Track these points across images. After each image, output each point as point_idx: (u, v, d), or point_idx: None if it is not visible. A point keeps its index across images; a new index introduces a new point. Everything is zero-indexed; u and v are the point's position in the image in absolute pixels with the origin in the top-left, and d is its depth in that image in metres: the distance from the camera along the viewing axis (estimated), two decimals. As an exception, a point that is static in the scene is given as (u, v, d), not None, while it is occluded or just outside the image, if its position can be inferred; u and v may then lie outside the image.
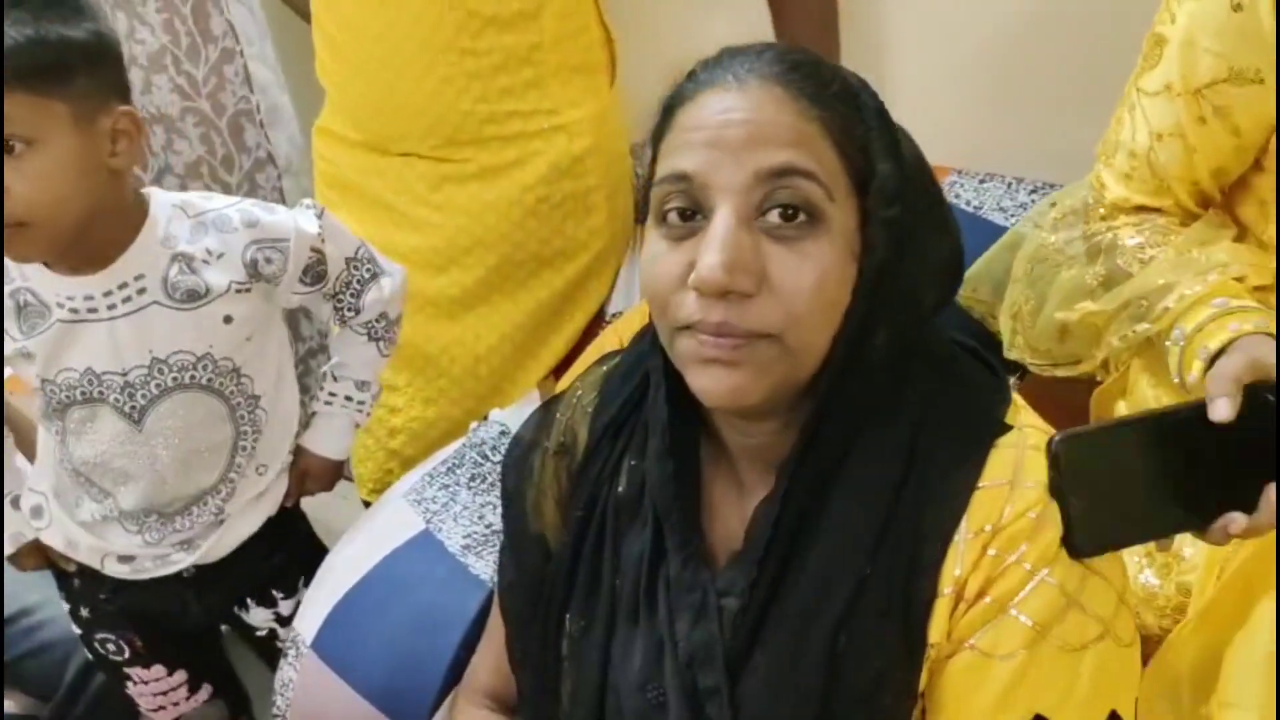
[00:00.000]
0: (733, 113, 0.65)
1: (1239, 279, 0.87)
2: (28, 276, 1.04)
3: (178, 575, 1.19)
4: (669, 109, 0.69)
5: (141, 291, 1.05)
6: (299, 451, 1.24)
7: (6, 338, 1.05)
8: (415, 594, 1.10)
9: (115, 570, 1.17)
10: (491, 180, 1.37)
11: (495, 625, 0.91)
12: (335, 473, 1.27)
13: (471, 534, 1.15)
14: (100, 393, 1.07)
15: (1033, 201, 1.25)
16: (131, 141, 1.01)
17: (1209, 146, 0.90)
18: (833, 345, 0.67)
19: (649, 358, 0.76)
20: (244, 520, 1.19)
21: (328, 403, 1.24)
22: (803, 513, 0.70)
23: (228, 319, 1.08)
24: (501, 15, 1.31)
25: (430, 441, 1.44)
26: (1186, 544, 0.90)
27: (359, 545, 1.17)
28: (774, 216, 0.64)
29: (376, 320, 1.20)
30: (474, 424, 1.35)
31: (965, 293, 1.18)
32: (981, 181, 1.30)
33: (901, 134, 0.71)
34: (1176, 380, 0.85)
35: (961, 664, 0.68)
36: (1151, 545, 0.81)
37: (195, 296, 1.06)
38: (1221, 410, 0.71)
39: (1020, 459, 0.68)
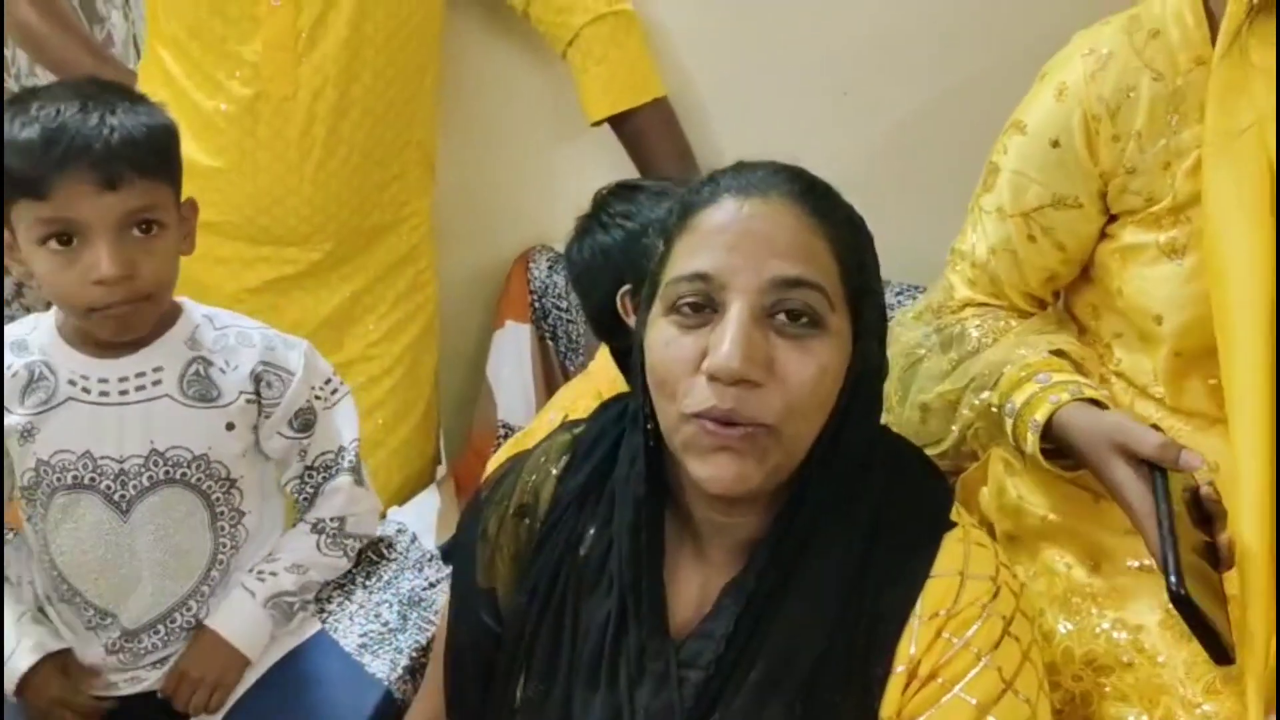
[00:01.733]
0: (754, 220, 0.72)
1: (1065, 354, 0.96)
2: (45, 351, 1.06)
3: (148, 696, 1.13)
4: (687, 209, 0.75)
5: (157, 383, 1.06)
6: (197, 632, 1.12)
7: (8, 413, 1.05)
8: (310, 695, 1.10)
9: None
10: (326, 276, 1.44)
11: (426, 693, 0.93)
12: (228, 665, 1.11)
13: (368, 633, 1.16)
14: (92, 478, 1.06)
15: (899, 302, 1.35)
16: (193, 228, 1.08)
17: (1038, 260, 1.02)
18: (817, 439, 0.74)
19: (628, 434, 0.81)
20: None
21: (244, 573, 1.13)
22: (770, 591, 0.75)
23: (230, 425, 1.09)
24: (389, 115, 1.39)
25: None
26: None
27: (254, 647, 1.17)
28: (783, 318, 0.71)
29: (330, 519, 1.16)
30: (383, 519, 1.36)
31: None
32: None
33: None
34: (1014, 448, 0.95)
35: None
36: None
37: (206, 398, 1.08)
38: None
39: (969, 552, 0.76)
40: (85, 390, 1.05)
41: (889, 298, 1.37)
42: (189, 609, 1.12)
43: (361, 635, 1.16)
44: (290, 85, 1.33)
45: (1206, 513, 0.83)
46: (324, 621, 1.17)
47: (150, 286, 1.01)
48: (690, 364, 0.71)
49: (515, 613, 0.84)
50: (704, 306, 0.72)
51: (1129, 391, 0.99)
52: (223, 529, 1.12)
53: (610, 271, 1.05)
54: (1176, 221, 0.93)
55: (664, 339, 0.73)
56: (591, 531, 0.82)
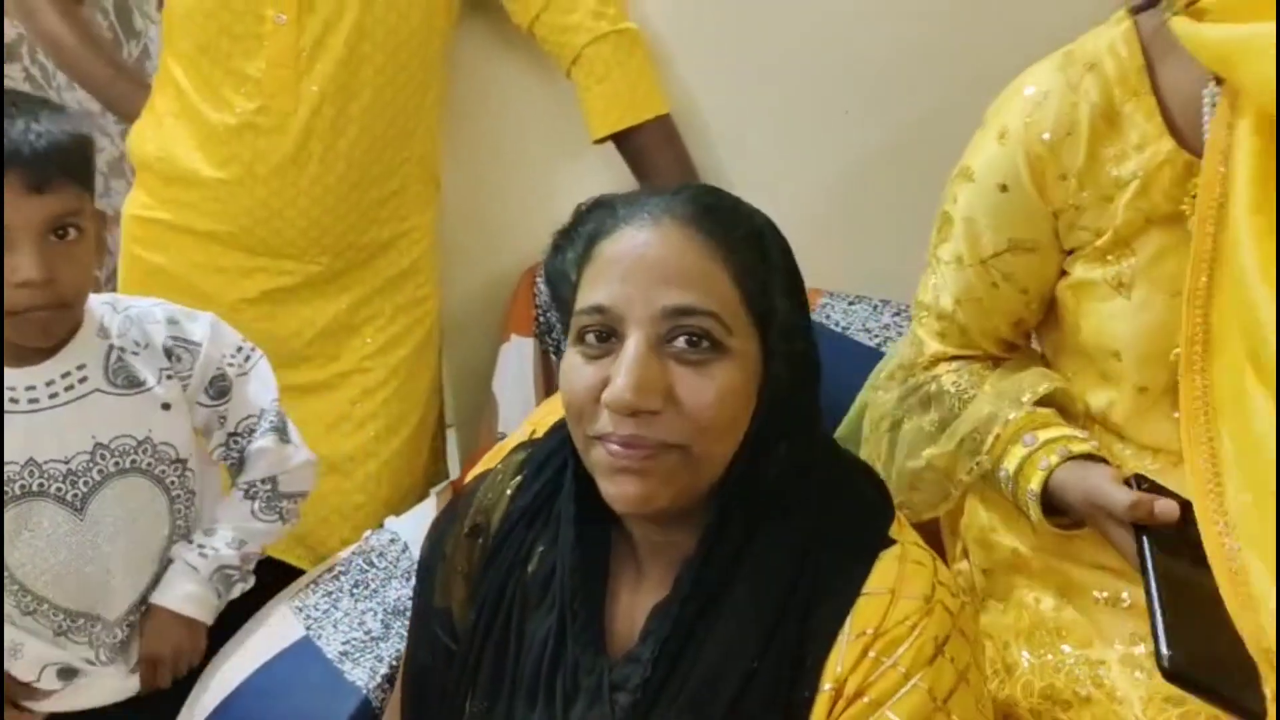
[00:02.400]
0: (647, 249, 0.73)
1: (1048, 399, 0.95)
2: None
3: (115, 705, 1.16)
4: (591, 240, 0.77)
5: (84, 380, 1.08)
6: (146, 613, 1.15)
7: None
8: (286, 702, 1.11)
9: (52, 684, 1.14)
10: (324, 287, 1.46)
11: (392, 707, 0.95)
12: (188, 635, 1.16)
13: (350, 640, 1.17)
14: (41, 484, 1.08)
15: (896, 323, 1.34)
16: (103, 238, 1.09)
17: (1003, 305, 1.00)
18: (735, 457, 0.74)
19: (565, 455, 0.82)
20: None
21: (184, 548, 1.16)
22: (699, 611, 0.75)
23: (166, 405, 1.12)
24: (388, 132, 1.41)
25: None
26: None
27: (240, 652, 1.18)
28: (681, 343, 0.72)
29: (261, 482, 1.18)
30: (368, 531, 1.37)
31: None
32: (850, 303, 1.38)
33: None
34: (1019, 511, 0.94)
35: None
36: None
37: (135, 383, 1.10)
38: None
39: (903, 570, 0.75)
40: (14, 400, 1.06)
41: (886, 318, 1.36)
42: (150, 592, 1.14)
43: (344, 643, 1.17)
44: (291, 101, 1.35)
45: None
46: (308, 629, 1.19)
47: (70, 293, 1.03)
48: (593, 392, 0.72)
49: (467, 631, 0.85)
50: (608, 336, 0.73)
51: (1099, 430, 0.97)
52: (179, 511, 1.15)
53: None
54: (1121, 255, 0.91)
55: (570, 367, 0.75)
56: (540, 549, 0.83)
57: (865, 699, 0.72)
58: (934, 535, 1.16)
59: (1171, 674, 0.74)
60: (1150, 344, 0.90)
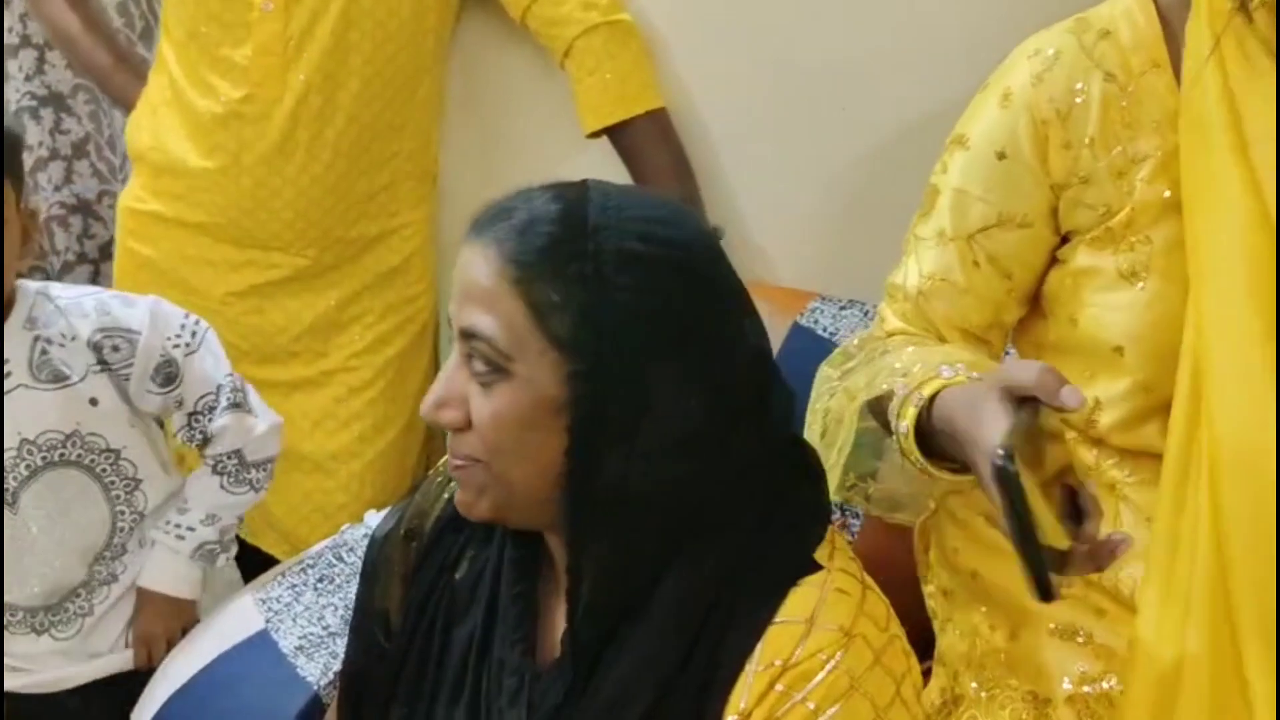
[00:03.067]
0: (465, 267, 0.73)
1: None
2: None
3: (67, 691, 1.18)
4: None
5: (8, 375, 1.08)
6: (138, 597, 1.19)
7: None
8: (236, 696, 1.10)
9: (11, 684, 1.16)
10: (312, 282, 1.45)
11: (334, 708, 0.93)
12: (178, 612, 1.20)
13: (307, 635, 1.16)
14: None
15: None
16: (32, 234, 1.08)
17: (982, 290, 0.92)
18: (562, 490, 0.71)
19: None
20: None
21: (163, 531, 1.19)
22: (605, 637, 0.73)
23: (94, 401, 1.11)
24: (376, 125, 1.40)
25: None
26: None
27: (198, 643, 1.19)
28: (477, 363, 0.72)
29: (227, 456, 1.18)
30: (346, 525, 1.37)
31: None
32: (841, 308, 1.34)
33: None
34: (891, 429, 0.82)
35: None
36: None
37: (59, 378, 1.09)
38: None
39: (823, 599, 0.71)
40: None
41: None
42: (99, 575, 1.16)
43: (301, 637, 1.16)
44: (278, 89, 1.35)
45: (1079, 507, 0.69)
46: (268, 622, 1.19)
47: None
48: None
49: (396, 635, 0.84)
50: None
51: (1068, 433, 0.90)
52: (118, 497, 1.15)
53: None
54: (1135, 241, 0.85)
55: None
56: (470, 554, 0.82)
57: None
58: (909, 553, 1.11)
59: (1001, 470, 0.63)
60: (1161, 339, 0.83)
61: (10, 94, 1.75)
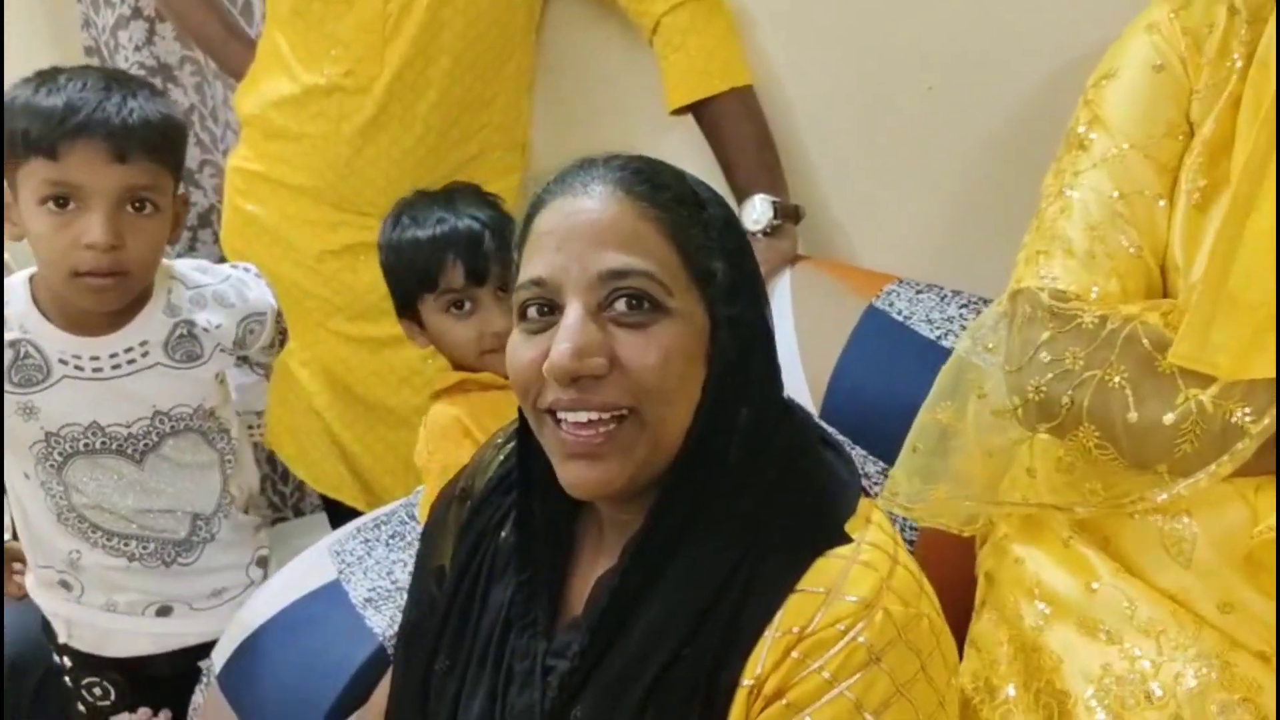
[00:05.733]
0: (578, 216, 0.72)
1: None
2: (28, 330, 1.13)
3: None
4: (529, 217, 0.76)
5: (145, 354, 1.16)
6: None
7: (8, 395, 1.14)
8: (309, 640, 1.16)
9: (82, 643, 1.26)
10: None
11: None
12: None
13: (376, 588, 1.20)
14: (103, 443, 1.17)
15: (961, 315, 1.25)
16: (183, 220, 1.16)
17: (1154, 214, 0.87)
18: (687, 434, 0.72)
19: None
20: (224, 573, 1.29)
21: None
22: (639, 588, 0.74)
23: (218, 376, 1.20)
24: (466, 98, 1.43)
25: None
26: (1153, 678, 0.82)
27: (276, 586, 1.24)
28: (620, 306, 0.71)
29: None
30: (421, 486, 1.41)
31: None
32: (919, 292, 1.31)
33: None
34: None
35: None
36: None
37: (193, 357, 1.18)
38: None
39: (847, 571, 0.70)
40: (78, 368, 1.13)
41: (952, 309, 1.26)
42: (201, 533, 1.24)
43: (370, 589, 1.20)
44: (376, 66, 1.40)
45: None
46: (340, 573, 1.23)
47: (133, 262, 1.08)
48: (536, 366, 0.72)
49: (446, 590, 0.86)
50: (548, 310, 0.72)
51: None
52: (224, 452, 1.25)
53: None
54: (1207, 166, 0.84)
55: (513, 345, 0.75)
56: (514, 516, 0.82)
57: (784, 701, 0.68)
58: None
59: None
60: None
61: (120, 64, 1.83)
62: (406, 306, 1.22)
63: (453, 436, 1.18)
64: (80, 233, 1.04)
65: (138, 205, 1.06)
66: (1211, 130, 0.86)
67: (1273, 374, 0.75)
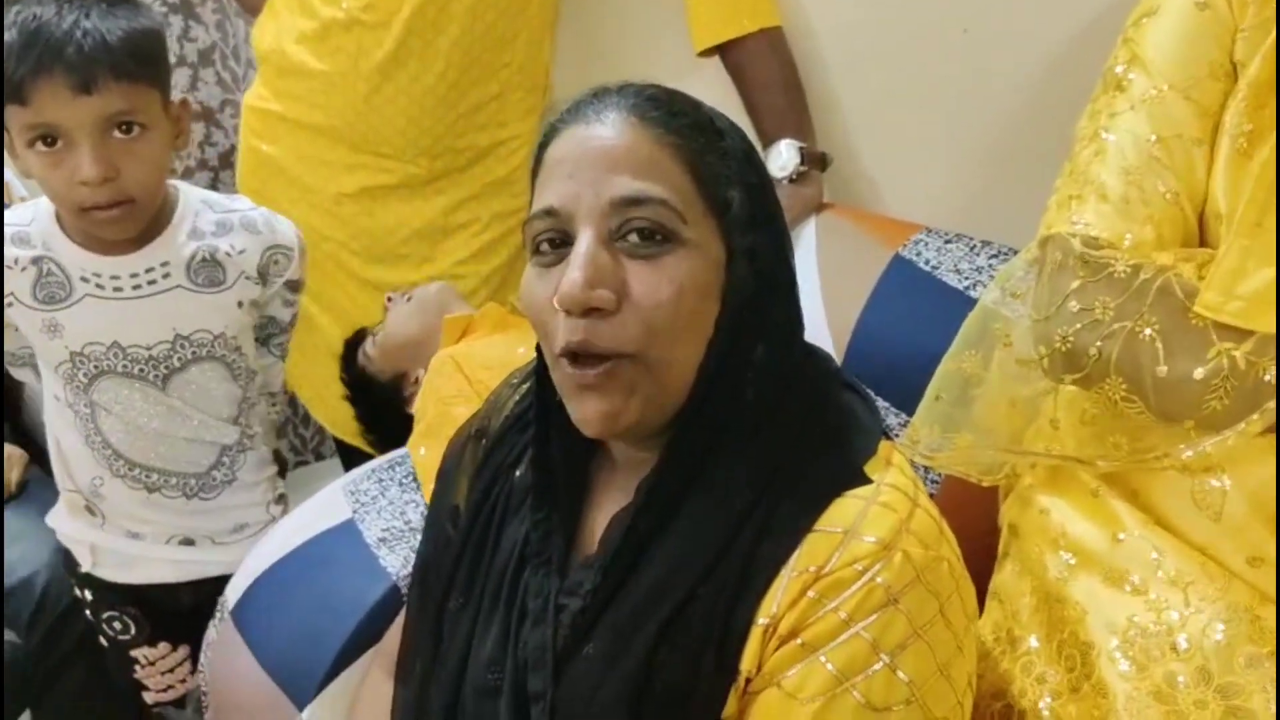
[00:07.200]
0: (590, 144, 0.70)
1: None
2: (50, 248, 1.13)
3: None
4: (541, 148, 0.74)
5: (166, 276, 1.15)
6: None
7: (33, 311, 1.14)
8: (323, 577, 1.15)
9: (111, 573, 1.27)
10: (422, 188, 1.46)
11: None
12: None
13: (390, 528, 1.20)
14: (125, 365, 1.16)
15: (990, 265, 1.23)
16: (186, 128, 1.13)
17: (1196, 157, 0.84)
18: (701, 371, 0.70)
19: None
20: (245, 510, 1.29)
21: None
22: (654, 526, 0.72)
23: (240, 303, 1.19)
24: (489, 36, 1.40)
25: None
26: (1180, 630, 0.79)
27: (292, 524, 1.24)
28: (633, 237, 0.69)
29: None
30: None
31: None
32: (947, 241, 1.28)
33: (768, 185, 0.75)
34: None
35: (767, 700, 0.69)
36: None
37: (215, 282, 1.16)
38: None
39: (865, 511, 0.69)
40: (99, 286, 1.12)
41: (981, 260, 1.24)
42: (222, 472, 1.25)
43: (384, 529, 1.20)
44: (397, 0, 1.37)
45: None
46: (354, 513, 1.23)
47: (134, 189, 1.05)
48: (550, 304, 0.69)
49: (460, 528, 0.86)
50: (561, 242, 0.70)
51: None
52: (244, 385, 1.24)
53: None
54: (1252, 109, 0.80)
55: (527, 280, 0.73)
56: (530, 454, 0.81)
57: (799, 641, 0.67)
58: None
59: None
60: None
61: (142, -1, 1.81)
62: None
63: (444, 372, 1.21)
64: (73, 170, 1.02)
65: (124, 128, 1.03)
66: (1258, 71, 0.82)
67: (1273, 330, 0.72)
